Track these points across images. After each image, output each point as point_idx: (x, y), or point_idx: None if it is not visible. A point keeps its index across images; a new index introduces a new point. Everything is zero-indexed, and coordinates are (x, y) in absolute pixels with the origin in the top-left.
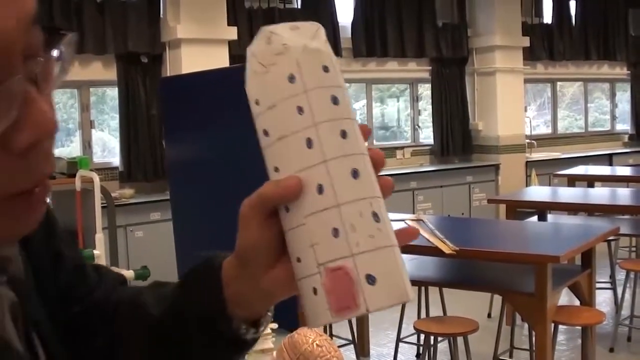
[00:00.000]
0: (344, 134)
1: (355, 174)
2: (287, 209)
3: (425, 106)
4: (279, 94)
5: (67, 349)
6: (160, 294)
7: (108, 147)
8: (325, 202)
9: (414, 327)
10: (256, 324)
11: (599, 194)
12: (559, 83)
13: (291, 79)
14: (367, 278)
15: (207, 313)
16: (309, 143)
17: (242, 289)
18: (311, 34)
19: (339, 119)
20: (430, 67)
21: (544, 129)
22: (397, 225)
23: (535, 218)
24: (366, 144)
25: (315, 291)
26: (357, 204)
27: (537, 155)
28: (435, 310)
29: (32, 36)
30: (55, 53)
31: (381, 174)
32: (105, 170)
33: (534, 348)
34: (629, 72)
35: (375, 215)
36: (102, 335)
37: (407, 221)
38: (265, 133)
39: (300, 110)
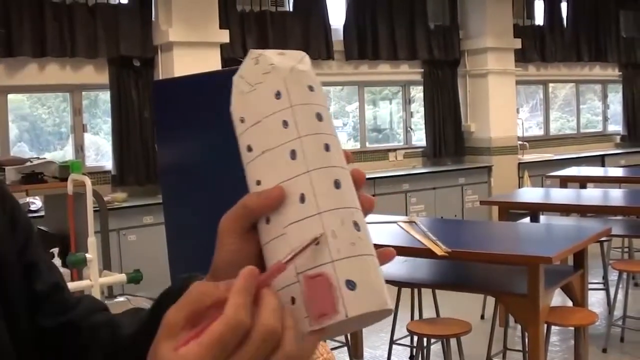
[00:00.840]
0: (327, 147)
1: (337, 184)
2: (268, 220)
3: (418, 108)
4: (265, 110)
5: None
6: (136, 316)
7: (102, 151)
8: (307, 211)
9: (407, 329)
10: None
11: (592, 195)
12: (551, 85)
13: (277, 95)
14: (347, 283)
15: None
16: (293, 154)
17: None
18: (298, 59)
19: (322, 133)
20: (422, 70)
21: (537, 131)
22: (388, 229)
23: (527, 219)
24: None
25: (293, 300)
26: (339, 212)
27: (530, 156)
28: (428, 312)
29: None
30: None
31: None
32: (98, 174)
33: (526, 349)
34: (620, 73)
35: (356, 225)
36: (76, 351)
37: (399, 223)
38: (249, 149)
39: (285, 124)
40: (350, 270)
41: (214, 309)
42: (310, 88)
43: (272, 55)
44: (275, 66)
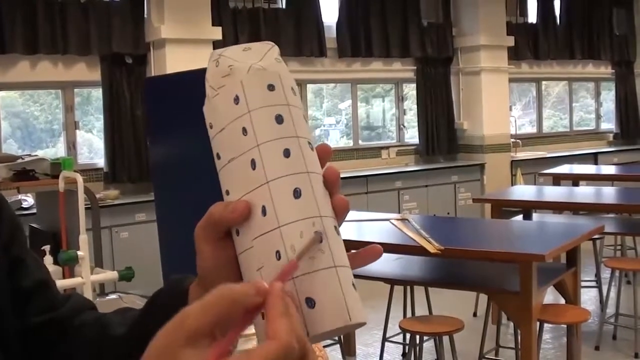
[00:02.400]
0: (287, 153)
1: (297, 193)
2: (238, 232)
3: (411, 106)
4: (227, 116)
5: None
6: (126, 316)
7: (94, 148)
8: (268, 225)
9: (399, 326)
10: None
11: (584, 193)
12: (543, 82)
13: (236, 100)
14: (307, 301)
15: None
16: (253, 164)
17: None
18: (261, 54)
19: (282, 137)
20: (415, 67)
21: (529, 129)
22: (381, 226)
23: (520, 217)
24: (330, 163)
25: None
26: (298, 224)
27: (522, 154)
28: (421, 310)
29: None
30: None
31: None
32: (90, 172)
33: (519, 347)
34: (613, 71)
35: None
36: (63, 349)
37: (392, 221)
38: (218, 156)
39: (244, 131)
40: (309, 287)
41: (242, 315)
42: (270, 87)
43: (232, 54)
44: (233, 68)
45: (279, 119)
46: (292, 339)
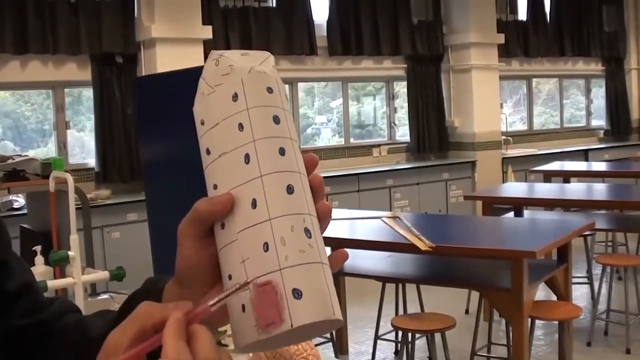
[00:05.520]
0: (282, 151)
1: (290, 189)
2: (223, 225)
3: (402, 104)
4: (223, 112)
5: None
6: (106, 318)
7: (86, 148)
8: (258, 217)
9: (391, 324)
10: None
11: (575, 190)
12: (534, 79)
13: (235, 97)
14: (294, 292)
15: None
16: (247, 158)
17: None
18: (260, 60)
19: (278, 137)
20: (405, 65)
21: (520, 126)
22: (372, 224)
23: (511, 214)
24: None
25: (243, 308)
26: (290, 218)
27: (513, 151)
28: (413, 307)
29: None
30: None
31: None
32: (81, 171)
33: (511, 343)
34: (603, 68)
35: (307, 231)
36: (46, 352)
37: (383, 218)
38: (208, 152)
39: (241, 127)
40: (297, 278)
41: (160, 329)
42: (269, 90)
43: (233, 56)
44: (234, 67)
45: (276, 120)
46: (181, 354)
